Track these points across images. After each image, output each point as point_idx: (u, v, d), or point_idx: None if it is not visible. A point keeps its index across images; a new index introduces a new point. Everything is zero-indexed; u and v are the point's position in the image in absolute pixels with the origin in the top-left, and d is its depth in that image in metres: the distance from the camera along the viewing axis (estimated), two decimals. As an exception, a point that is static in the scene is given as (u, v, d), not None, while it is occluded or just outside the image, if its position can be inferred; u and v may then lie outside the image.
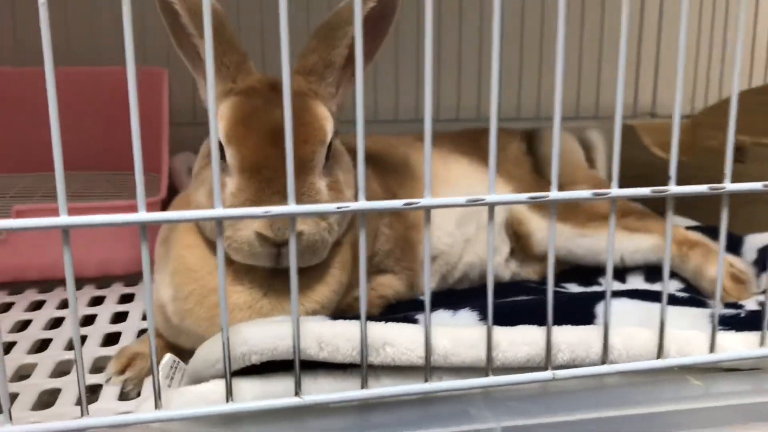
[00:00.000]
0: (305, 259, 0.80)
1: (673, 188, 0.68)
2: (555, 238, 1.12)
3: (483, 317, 0.77)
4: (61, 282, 1.30)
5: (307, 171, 0.80)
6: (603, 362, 0.70)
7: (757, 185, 0.70)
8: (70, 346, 1.05)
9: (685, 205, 1.40)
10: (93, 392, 0.93)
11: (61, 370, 0.98)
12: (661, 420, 0.67)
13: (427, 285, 0.64)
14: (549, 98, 1.89)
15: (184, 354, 0.94)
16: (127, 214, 0.59)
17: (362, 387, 0.65)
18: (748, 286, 1.03)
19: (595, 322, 0.78)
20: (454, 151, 1.19)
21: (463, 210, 1.09)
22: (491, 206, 0.64)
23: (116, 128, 1.61)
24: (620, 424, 0.65)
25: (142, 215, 0.59)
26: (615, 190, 0.67)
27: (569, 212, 1.16)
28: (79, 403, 0.63)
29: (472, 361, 0.68)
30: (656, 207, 1.27)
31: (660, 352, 0.71)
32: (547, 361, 0.68)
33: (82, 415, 0.61)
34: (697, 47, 1.96)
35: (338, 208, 0.61)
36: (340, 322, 0.67)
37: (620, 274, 1.17)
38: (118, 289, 1.30)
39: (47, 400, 0.92)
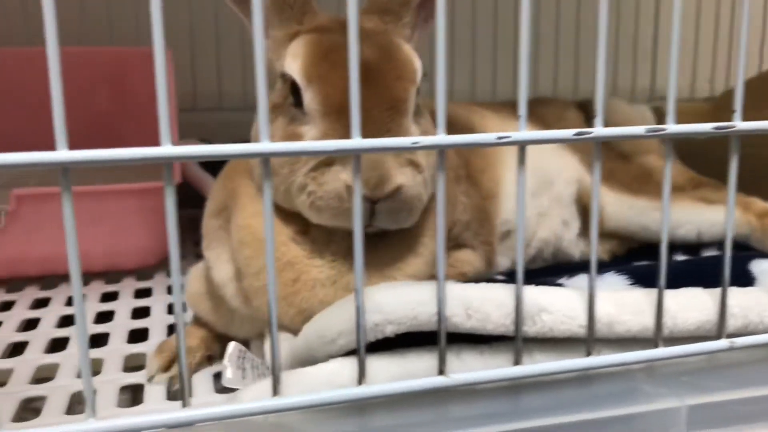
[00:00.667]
0: (401, 218, 0.68)
1: (739, 124, 0.58)
2: (625, 215, 1.04)
3: (634, 281, 0.66)
4: (64, 278, 1.16)
5: (400, 111, 0.68)
6: (777, 328, 0.59)
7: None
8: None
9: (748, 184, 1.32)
10: (133, 393, 0.80)
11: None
12: None
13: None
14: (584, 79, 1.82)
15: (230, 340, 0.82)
16: (152, 148, 0.45)
17: (515, 363, 0.53)
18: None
19: (755, 283, 0.68)
20: (513, 118, 1.08)
21: (536, 181, 0.98)
22: (597, 141, 0.54)
23: (112, 108, 1.49)
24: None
25: (168, 149, 0.45)
26: (671, 126, 0.56)
27: (642, 185, 1.06)
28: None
29: (638, 330, 0.56)
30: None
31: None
32: (721, 328, 0.58)
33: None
34: (716, 30, 1.90)
35: (414, 143, 0.50)
36: (488, 285, 0.55)
37: (695, 249, 1.07)
38: (131, 284, 1.17)
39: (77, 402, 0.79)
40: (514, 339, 0.54)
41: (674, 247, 1.07)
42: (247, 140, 1.54)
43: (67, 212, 0.43)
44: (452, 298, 0.52)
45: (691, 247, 1.08)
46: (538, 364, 0.53)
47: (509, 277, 0.93)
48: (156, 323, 0.98)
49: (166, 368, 0.81)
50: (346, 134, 0.63)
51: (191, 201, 1.32)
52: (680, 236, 1.06)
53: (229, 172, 0.82)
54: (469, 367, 0.53)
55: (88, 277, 1.18)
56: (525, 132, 0.53)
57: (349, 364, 0.53)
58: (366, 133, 0.62)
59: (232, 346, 0.74)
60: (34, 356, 0.88)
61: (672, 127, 0.57)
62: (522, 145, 0.53)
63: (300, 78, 0.68)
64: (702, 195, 1.07)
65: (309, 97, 0.68)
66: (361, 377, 0.50)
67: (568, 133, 0.55)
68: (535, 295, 0.55)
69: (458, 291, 0.54)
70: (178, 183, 1.16)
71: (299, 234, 0.72)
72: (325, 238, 0.71)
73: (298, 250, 0.71)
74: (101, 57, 1.52)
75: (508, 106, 1.14)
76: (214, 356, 0.84)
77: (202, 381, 0.80)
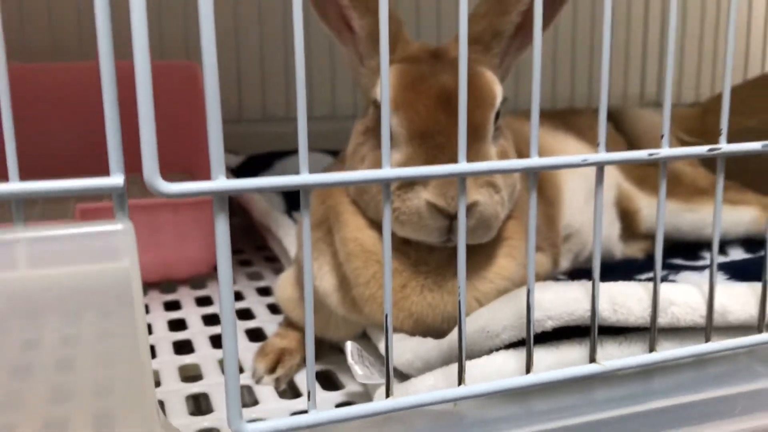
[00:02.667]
0: (478, 234, 0.74)
1: (725, 146, 0.66)
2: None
3: (729, 276, 0.74)
4: (183, 282, 1.21)
5: (479, 138, 0.74)
6: None
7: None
8: (181, 350, 0.96)
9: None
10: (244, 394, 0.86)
11: (186, 375, 0.90)
12: None
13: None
14: (586, 86, 1.92)
15: (323, 344, 0.90)
16: (292, 176, 0.52)
17: (650, 350, 0.61)
18: None
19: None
20: (556, 129, 1.16)
21: (589, 187, 1.07)
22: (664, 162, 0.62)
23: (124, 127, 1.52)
24: None
25: (305, 177, 0.52)
26: (725, 146, 0.65)
27: (673, 187, 1.15)
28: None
29: (745, 318, 0.65)
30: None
31: None
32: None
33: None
34: (701, 36, 2.02)
35: (509, 166, 0.58)
36: (628, 283, 0.63)
37: (721, 246, 1.18)
38: (188, 293, 1.20)
39: (198, 404, 0.84)
40: (646, 330, 0.62)
41: (700, 244, 1.18)
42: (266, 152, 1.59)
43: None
44: (601, 295, 0.60)
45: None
46: (669, 351, 0.61)
47: (570, 276, 1.01)
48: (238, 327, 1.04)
49: (272, 370, 0.86)
50: (428, 157, 0.71)
51: (237, 209, 1.38)
52: (707, 235, 1.16)
53: (326, 193, 0.87)
54: (610, 356, 0.61)
55: (145, 287, 1.22)
56: (604, 154, 0.60)
57: (513, 356, 0.60)
58: (449, 156, 0.70)
59: (350, 346, 0.79)
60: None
61: (726, 146, 0.65)
62: (601, 166, 0.60)
63: (390, 105, 0.74)
64: (727, 197, 1.16)
65: (396, 123, 0.74)
66: (529, 367, 0.57)
67: (642, 153, 0.62)
68: (665, 290, 0.63)
69: (605, 289, 0.61)
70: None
71: (403, 245, 0.77)
72: (426, 247, 0.76)
73: (403, 259, 0.77)
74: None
75: (552, 118, 1.22)
76: (311, 357, 0.90)
77: (304, 380, 0.86)
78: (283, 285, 0.93)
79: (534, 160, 0.56)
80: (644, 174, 1.18)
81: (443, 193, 0.69)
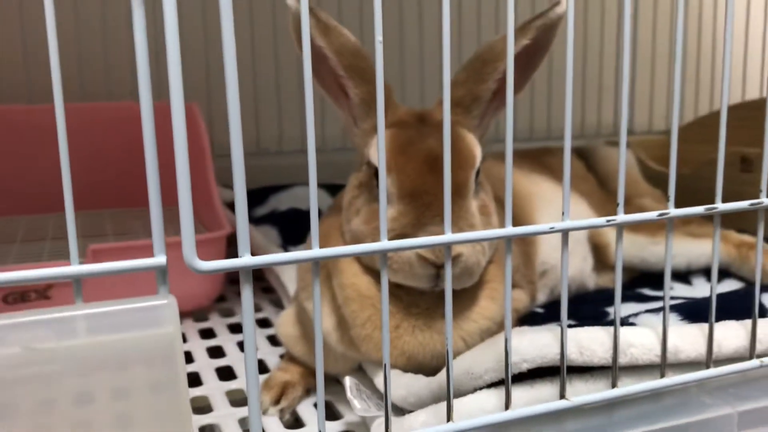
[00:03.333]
0: (462, 281, 0.83)
1: (720, 206, 0.77)
2: (626, 250, 1.23)
3: (682, 317, 0.84)
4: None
5: (462, 195, 0.83)
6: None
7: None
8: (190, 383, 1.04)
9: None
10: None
11: (195, 407, 0.98)
12: None
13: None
14: (559, 119, 2.02)
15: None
16: (303, 251, 0.61)
17: (612, 386, 0.71)
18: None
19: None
20: (531, 170, 1.26)
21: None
22: (620, 227, 0.72)
23: (138, 163, 1.60)
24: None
25: (316, 252, 0.61)
26: (672, 210, 0.75)
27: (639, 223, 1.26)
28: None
29: (695, 356, 0.75)
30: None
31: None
32: (752, 351, 0.77)
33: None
34: (669, 66, 2.14)
35: (489, 235, 0.68)
36: (592, 329, 0.73)
37: (685, 276, 1.28)
38: (192, 325, 1.28)
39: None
40: (608, 368, 0.72)
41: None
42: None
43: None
44: (569, 341, 0.70)
45: (681, 275, 1.29)
46: (629, 386, 0.71)
47: (547, 310, 1.11)
48: (236, 361, 1.12)
49: (276, 401, 0.95)
50: (416, 215, 0.80)
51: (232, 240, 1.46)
52: (673, 266, 1.27)
53: (325, 237, 0.95)
54: (578, 392, 0.71)
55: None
56: (569, 222, 0.69)
57: (494, 394, 0.69)
58: (436, 212, 0.79)
59: (348, 381, 0.88)
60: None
61: (674, 211, 0.75)
62: (566, 232, 0.69)
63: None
64: (689, 230, 1.28)
65: (389, 183, 0.82)
66: (508, 404, 0.67)
67: (601, 220, 0.72)
68: (625, 333, 0.73)
69: (572, 335, 0.71)
70: (228, 233, 1.31)
71: (395, 289, 0.85)
72: (417, 292, 0.85)
73: (396, 302, 0.85)
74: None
75: (527, 158, 1.32)
76: (311, 389, 0.99)
77: (306, 410, 0.95)
78: (285, 322, 1.02)
79: (509, 230, 0.65)
80: (613, 211, 1.28)
81: (431, 249, 0.79)
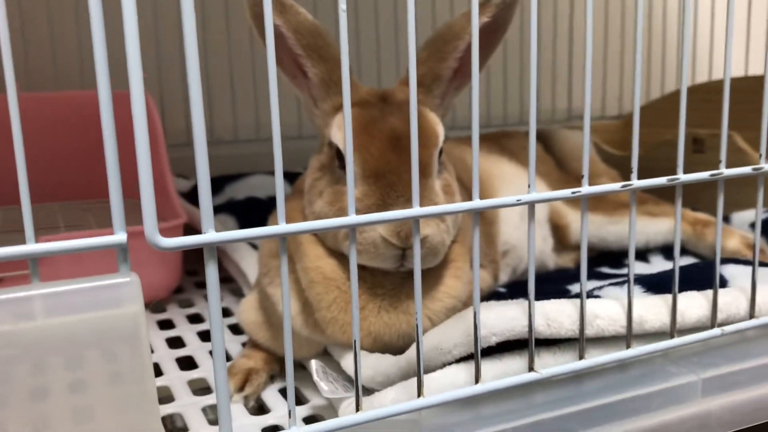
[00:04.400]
0: (427, 261, 0.82)
1: (682, 176, 0.78)
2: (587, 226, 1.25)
3: (646, 289, 0.85)
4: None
5: (425, 175, 0.83)
6: (750, 317, 0.80)
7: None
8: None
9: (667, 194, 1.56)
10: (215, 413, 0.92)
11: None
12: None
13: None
14: (513, 105, 2.04)
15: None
16: (273, 227, 0.60)
17: (580, 358, 0.71)
18: (766, 253, 1.19)
19: (728, 284, 0.89)
20: (490, 152, 1.27)
21: (522, 208, 1.17)
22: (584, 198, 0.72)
23: (87, 154, 1.56)
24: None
25: (283, 227, 0.60)
26: (636, 182, 0.76)
27: (598, 203, 1.27)
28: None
29: (659, 326, 0.76)
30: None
31: (789, 304, 0.83)
32: (713, 320, 0.78)
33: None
34: (622, 51, 2.17)
35: (455, 209, 0.67)
36: (559, 301, 0.73)
37: (643, 254, 1.30)
38: (150, 317, 1.25)
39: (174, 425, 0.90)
40: (576, 340, 0.72)
41: (625, 253, 1.29)
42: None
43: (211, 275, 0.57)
44: (536, 313, 0.70)
45: (639, 253, 1.31)
46: (596, 358, 0.71)
47: (509, 289, 1.11)
48: (197, 350, 1.10)
49: (241, 388, 0.93)
50: (381, 195, 0.80)
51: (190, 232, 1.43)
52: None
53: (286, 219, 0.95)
54: (546, 364, 0.71)
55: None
56: (535, 194, 0.69)
57: (464, 368, 0.69)
58: (400, 192, 0.78)
59: (314, 364, 0.87)
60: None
61: (637, 182, 0.75)
62: (532, 204, 0.69)
63: (343, 147, 0.83)
64: (646, 209, 1.30)
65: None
66: (477, 378, 0.66)
67: (566, 192, 0.72)
68: (591, 306, 0.73)
69: (539, 307, 0.71)
70: (185, 222, 1.28)
71: (360, 270, 0.83)
72: (381, 272, 0.84)
73: (361, 283, 0.84)
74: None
75: (487, 141, 1.33)
76: (275, 375, 0.98)
77: (270, 396, 0.94)
78: (247, 309, 1.00)
79: (476, 203, 0.65)
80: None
81: (396, 231, 0.78)
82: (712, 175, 0.78)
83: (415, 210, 0.63)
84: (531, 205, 0.68)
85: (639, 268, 1.27)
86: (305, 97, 0.93)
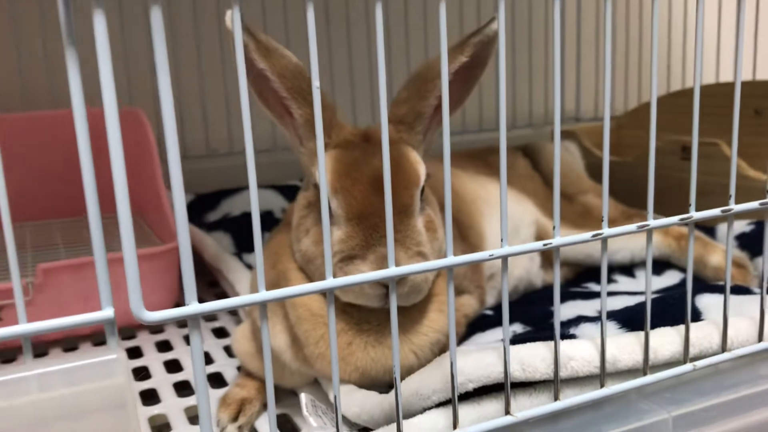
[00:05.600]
0: (411, 298, 0.86)
1: (695, 214, 0.82)
2: (572, 247, 1.27)
3: (620, 325, 0.88)
4: (85, 338, 1.28)
5: (408, 215, 0.86)
6: (723, 351, 0.83)
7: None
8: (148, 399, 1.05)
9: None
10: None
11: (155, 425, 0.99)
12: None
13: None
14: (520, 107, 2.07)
15: (279, 390, 0.98)
16: (251, 296, 0.62)
17: (555, 399, 0.74)
18: (749, 270, 1.22)
19: (702, 317, 0.92)
20: (477, 172, 1.29)
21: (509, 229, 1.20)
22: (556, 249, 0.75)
23: (66, 172, 1.59)
24: (753, 400, 0.79)
25: (263, 294, 0.62)
26: (606, 230, 0.79)
27: (585, 220, 1.30)
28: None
29: (632, 364, 0.79)
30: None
31: (761, 336, 0.85)
32: (686, 356, 0.81)
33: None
34: (613, 54, 2.18)
35: (430, 266, 0.69)
36: (534, 345, 0.76)
37: (629, 269, 1.33)
38: (148, 337, 1.29)
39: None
40: (551, 381, 0.75)
41: (612, 268, 1.33)
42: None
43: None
44: (511, 359, 0.73)
45: (626, 267, 1.34)
46: (570, 398, 0.74)
47: (496, 312, 1.14)
48: (191, 376, 1.13)
49: (234, 418, 0.96)
50: (364, 236, 0.83)
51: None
52: (617, 260, 1.32)
53: (276, 256, 0.97)
54: (523, 406, 0.74)
55: (102, 335, 1.30)
56: (507, 248, 0.71)
57: (443, 413, 0.72)
58: (383, 233, 0.81)
59: (304, 398, 0.91)
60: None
61: (607, 230, 0.78)
62: (505, 258, 0.72)
63: (328, 189, 0.84)
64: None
65: (335, 205, 0.85)
66: (456, 423, 0.70)
67: (538, 244, 0.75)
68: (565, 348, 0.76)
69: (514, 353, 0.74)
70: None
71: (347, 307, 0.87)
72: (367, 309, 0.87)
73: (348, 319, 0.88)
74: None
75: (473, 159, 1.35)
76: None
77: (264, 425, 0.97)
78: (240, 339, 1.04)
79: (450, 260, 0.67)
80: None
81: (379, 269, 0.81)
82: (723, 211, 0.81)
83: (391, 270, 0.65)
84: (504, 258, 0.70)
85: (625, 283, 1.30)
86: (292, 137, 0.95)
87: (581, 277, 1.32)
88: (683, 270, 1.32)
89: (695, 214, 0.82)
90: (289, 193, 1.69)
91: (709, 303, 0.96)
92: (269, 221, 1.54)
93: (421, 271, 0.68)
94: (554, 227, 0.73)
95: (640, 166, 1.60)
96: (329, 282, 0.63)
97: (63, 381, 0.53)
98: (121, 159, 0.54)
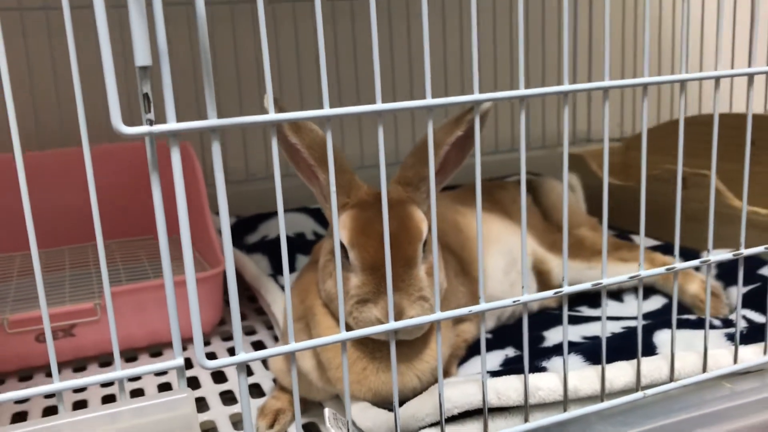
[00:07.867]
0: (414, 333, 1.04)
1: (712, 257, 0.99)
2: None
3: (586, 358, 1.06)
4: (138, 350, 1.50)
5: (411, 266, 1.04)
6: (671, 380, 1.01)
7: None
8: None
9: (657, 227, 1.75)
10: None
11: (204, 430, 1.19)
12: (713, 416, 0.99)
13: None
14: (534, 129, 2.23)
15: (308, 402, 1.20)
16: (280, 347, 0.81)
17: (525, 421, 0.93)
18: (722, 299, 1.38)
19: (656, 351, 1.09)
20: (482, 209, 1.47)
21: (507, 261, 1.38)
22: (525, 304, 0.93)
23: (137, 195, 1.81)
24: (696, 421, 0.97)
25: (292, 346, 0.81)
26: (566, 288, 0.97)
27: (577, 250, 1.47)
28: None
29: (591, 392, 0.97)
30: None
31: (704, 368, 1.03)
32: (638, 385, 0.99)
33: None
34: (622, 73, 2.32)
35: (424, 320, 0.89)
36: (509, 378, 0.95)
37: (617, 294, 1.50)
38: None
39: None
40: (523, 407, 0.94)
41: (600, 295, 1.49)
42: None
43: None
44: (489, 389, 0.92)
45: (614, 293, 1.51)
46: (538, 420, 0.93)
47: (494, 335, 1.33)
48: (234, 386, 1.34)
49: (270, 426, 1.17)
50: (375, 284, 1.02)
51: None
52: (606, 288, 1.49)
53: (305, 293, 1.17)
54: (499, 426, 0.93)
55: (135, 351, 1.52)
56: (484, 304, 0.90)
57: (434, 434, 0.92)
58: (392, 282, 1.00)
59: (327, 412, 1.10)
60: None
61: (567, 288, 0.96)
62: (483, 313, 0.90)
63: (347, 243, 1.04)
64: (620, 255, 1.49)
65: (352, 256, 1.04)
66: (443, 442, 0.89)
67: (507, 301, 0.93)
68: (534, 380, 0.95)
69: (491, 384, 0.93)
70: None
71: (362, 338, 1.07)
72: (379, 341, 1.06)
73: (363, 348, 1.07)
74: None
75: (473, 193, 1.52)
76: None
77: (294, 433, 1.17)
78: (276, 358, 1.23)
79: (438, 315, 0.87)
80: (554, 240, 1.50)
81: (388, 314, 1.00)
82: (734, 254, 1.01)
83: (390, 325, 0.84)
84: (482, 313, 0.89)
85: (614, 307, 1.48)
86: (318, 195, 1.14)
87: (574, 301, 1.49)
88: (667, 296, 1.48)
89: (712, 257, 0.99)
90: (320, 216, 1.88)
91: (665, 339, 1.13)
92: (301, 243, 1.74)
93: (415, 325, 0.87)
94: (563, 278, 0.91)
95: (636, 191, 1.75)
96: (343, 335, 0.83)
97: (144, 413, 0.73)
98: (184, 199, 0.73)
